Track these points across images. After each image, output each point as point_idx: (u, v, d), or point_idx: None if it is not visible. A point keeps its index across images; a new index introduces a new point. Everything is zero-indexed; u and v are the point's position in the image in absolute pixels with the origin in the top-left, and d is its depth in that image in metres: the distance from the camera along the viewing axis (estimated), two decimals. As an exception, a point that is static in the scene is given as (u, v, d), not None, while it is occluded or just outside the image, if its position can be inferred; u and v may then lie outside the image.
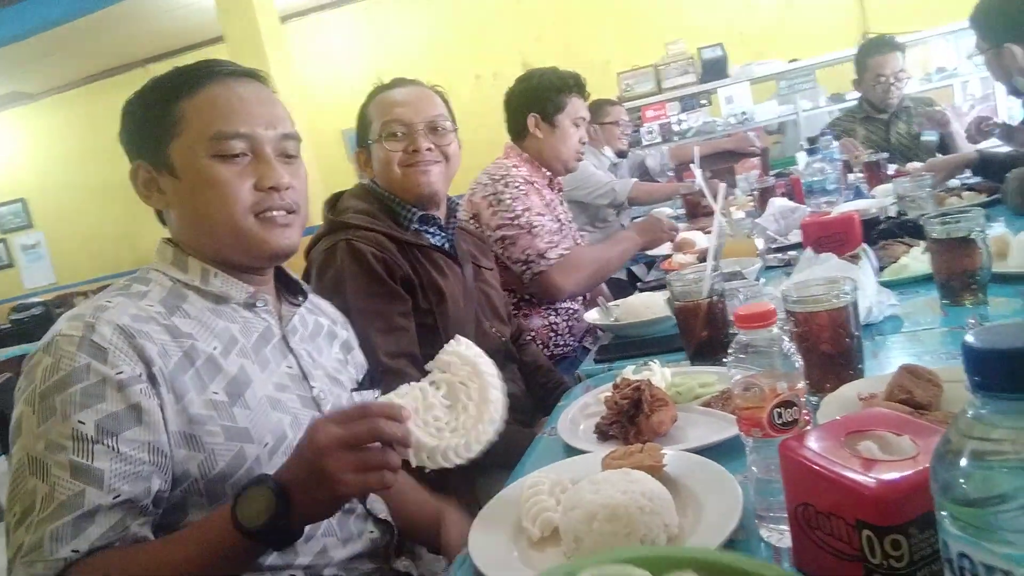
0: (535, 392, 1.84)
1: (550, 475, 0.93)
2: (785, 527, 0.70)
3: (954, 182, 2.59)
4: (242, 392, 0.98)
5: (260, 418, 0.98)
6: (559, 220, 2.31)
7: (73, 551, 0.82)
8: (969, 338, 0.37)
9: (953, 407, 0.85)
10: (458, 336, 1.00)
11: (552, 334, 2.24)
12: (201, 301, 1.03)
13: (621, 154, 4.16)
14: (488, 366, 0.96)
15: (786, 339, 0.74)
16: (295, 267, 1.27)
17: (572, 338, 2.28)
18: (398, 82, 1.70)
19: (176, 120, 1.03)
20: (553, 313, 2.25)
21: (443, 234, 1.68)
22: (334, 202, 1.71)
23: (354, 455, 0.83)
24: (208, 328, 1.00)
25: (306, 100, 5.80)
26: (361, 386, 1.24)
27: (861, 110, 3.63)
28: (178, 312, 1.00)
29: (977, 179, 2.51)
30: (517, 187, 2.14)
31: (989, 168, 2.43)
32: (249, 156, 1.04)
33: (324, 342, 1.21)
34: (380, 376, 1.36)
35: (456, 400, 0.93)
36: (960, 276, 1.34)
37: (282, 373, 1.06)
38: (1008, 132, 2.69)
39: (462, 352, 0.97)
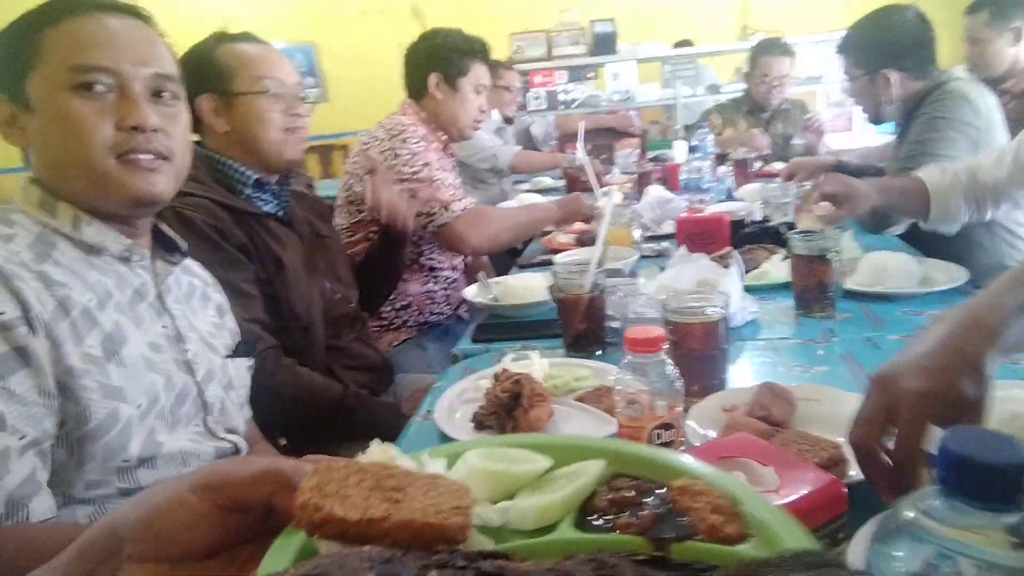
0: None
1: None
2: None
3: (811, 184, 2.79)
4: (117, 349, 0.94)
5: (135, 377, 0.94)
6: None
7: None
8: (947, 437, 0.39)
9: (805, 425, 0.94)
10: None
11: (429, 302, 2.23)
12: (73, 250, 0.96)
13: (508, 120, 4.16)
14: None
15: (671, 363, 0.78)
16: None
17: (448, 307, 2.29)
18: (252, 37, 1.57)
19: (37, 51, 0.95)
20: (432, 280, 2.23)
21: (276, 201, 1.60)
22: None
23: None
24: (81, 279, 0.94)
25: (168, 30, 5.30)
26: (235, 353, 1.20)
27: (745, 103, 3.83)
28: (48, 260, 0.92)
29: None
30: (416, 143, 2.09)
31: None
32: (114, 93, 0.96)
33: (198, 304, 1.17)
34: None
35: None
36: (814, 289, 1.46)
37: (157, 333, 1.02)
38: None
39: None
